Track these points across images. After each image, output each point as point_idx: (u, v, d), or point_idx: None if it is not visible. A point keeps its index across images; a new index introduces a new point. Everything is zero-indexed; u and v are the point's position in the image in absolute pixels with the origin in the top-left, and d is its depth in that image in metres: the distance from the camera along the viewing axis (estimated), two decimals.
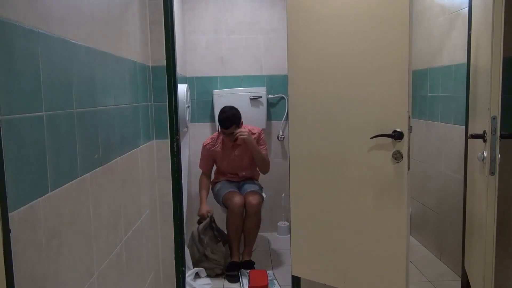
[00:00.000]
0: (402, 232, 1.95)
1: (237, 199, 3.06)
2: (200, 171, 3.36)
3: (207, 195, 3.29)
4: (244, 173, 3.32)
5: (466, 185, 2.44)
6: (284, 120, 3.80)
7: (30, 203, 1.00)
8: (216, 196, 3.29)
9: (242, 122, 3.18)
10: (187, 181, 3.54)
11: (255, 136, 3.23)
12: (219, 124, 3.13)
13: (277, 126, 3.85)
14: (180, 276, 2.44)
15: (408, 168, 1.90)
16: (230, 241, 3.10)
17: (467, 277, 2.43)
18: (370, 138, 1.94)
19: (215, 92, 3.68)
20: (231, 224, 3.07)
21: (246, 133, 3.10)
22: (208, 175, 3.34)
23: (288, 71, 2.23)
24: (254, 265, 3.11)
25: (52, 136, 1.12)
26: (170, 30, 2.26)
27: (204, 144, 3.28)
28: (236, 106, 3.62)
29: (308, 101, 2.16)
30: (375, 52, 1.93)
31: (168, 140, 2.32)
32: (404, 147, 1.89)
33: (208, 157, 3.29)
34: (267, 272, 2.95)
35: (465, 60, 2.53)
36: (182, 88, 3.05)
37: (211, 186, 3.37)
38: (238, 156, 3.25)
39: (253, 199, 3.09)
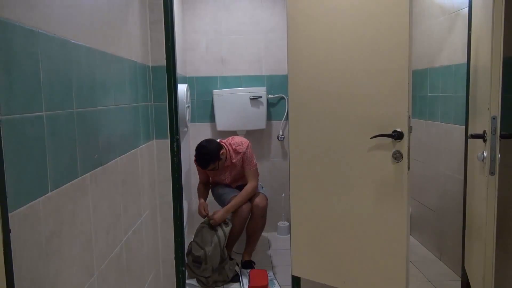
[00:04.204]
0: (402, 232, 1.95)
1: (246, 205, 3.04)
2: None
3: (207, 195, 3.28)
4: (239, 183, 3.27)
5: (466, 185, 2.44)
6: (284, 120, 3.80)
7: (30, 203, 1.00)
8: (218, 199, 3.26)
9: (223, 152, 3.00)
10: (187, 181, 3.54)
11: (239, 156, 3.08)
12: (197, 163, 3.05)
13: (277, 126, 3.85)
14: (180, 276, 2.44)
15: (408, 168, 1.90)
16: (230, 240, 3.10)
17: (467, 277, 2.43)
18: (370, 138, 1.94)
19: (215, 92, 3.68)
20: (236, 228, 3.05)
21: (217, 219, 2.92)
22: (205, 183, 3.29)
23: (288, 71, 2.23)
24: (254, 265, 3.11)
25: (52, 136, 1.12)
26: (170, 30, 2.26)
27: (195, 161, 3.12)
28: (236, 106, 3.65)
29: (308, 101, 2.16)
30: (375, 52, 1.93)
31: (168, 140, 2.32)
32: (404, 147, 1.89)
33: (201, 171, 3.21)
34: (267, 272, 2.95)
35: (465, 60, 2.53)
36: (182, 88, 3.05)
37: (210, 186, 3.36)
38: (229, 177, 3.20)
39: (260, 202, 3.08)
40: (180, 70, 3.03)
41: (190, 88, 3.62)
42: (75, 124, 1.27)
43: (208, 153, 2.95)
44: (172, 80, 2.29)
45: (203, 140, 3.06)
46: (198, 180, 3.32)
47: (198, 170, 3.26)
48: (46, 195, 1.08)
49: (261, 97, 3.66)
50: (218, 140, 3.10)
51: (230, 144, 3.11)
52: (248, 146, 3.11)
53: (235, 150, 3.09)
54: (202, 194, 3.26)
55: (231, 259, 3.00)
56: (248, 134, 3.77)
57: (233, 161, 3.09)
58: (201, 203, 3.16)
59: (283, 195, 3.79)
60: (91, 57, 1.40)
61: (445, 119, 2.98)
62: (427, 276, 2.87)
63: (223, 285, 2.89)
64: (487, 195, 1.90)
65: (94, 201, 1.41)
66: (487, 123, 1.87)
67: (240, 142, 3.11)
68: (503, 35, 1.80)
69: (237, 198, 3.04)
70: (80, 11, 1.33)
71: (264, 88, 3.69)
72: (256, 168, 3.17)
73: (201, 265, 2.83)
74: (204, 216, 3.06)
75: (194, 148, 3.07)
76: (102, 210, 1.49)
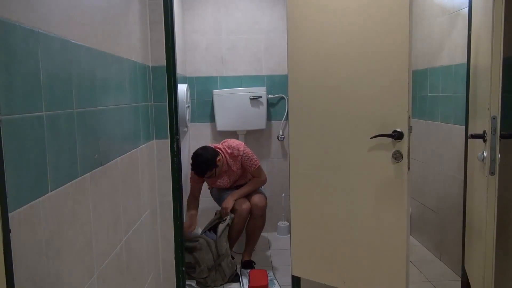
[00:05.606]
0: (402, 232, 1.95)
1: (246, 205, 3.04)
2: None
3: (197, 213, 3.16)
4: (237, 184, 3.25)
5: (466, 185, 2.44)
6: (284, 120, 3.80)
7: (30, 203, 1.00)
8: (217, 199, 3.26)
9: (220, 159, 2.98)
10: (187, 181, 3.54)
11: (237, 160, 3.07)
12: (194, 172, 3.01)
13: (277, 126, 3.85)
14: (180, 276, 2.44)
15: (408, 168, 1.90)
16: (230, 241, 3.10)
17: (467, 277, 2.43)
18: (370, 138, 1.94)
19: (215, 92, 3.68)
20: (236, 227, 3.05)
21: (228, 209, 2.99)
22: (196, 196, 3.18)
23: (288, 71, 2.23)
24: (254, 265, 3.11)
25: (52, 136, 1.12)
26: (170, 30, 2.26)
27: (192, 170, 3.07)
28: (236, 106, 3.65)
29: (308, 101, 2.16)
30: (375, 52, 1.93)
31: (168, 140, 2.31)
32: (404, 147, 1.89)
33: (197, 180, 3.14)
34: (267, 272, 2.95)
35: (465, 60, 2.53)
36: (182, 88, 3.04)
37: (208, 188, 3.36)
38: (227, 181, 3.18)
39: (259, 202, 3.08)
40: (180, 70, 3.03)
41: (190, 88, 3.62)
42: (75, 124, 1.27)
43: (205, 162, 2.93)
44: (172, 80, 2.29)
45: (199, 148, 3.02)
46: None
47: (192, 181, 3.16)
48: (46, 195, 1.08)
49: (261, 97, 3.66)
50: (213, 146, 3.08)
51: (225, 148, 3.08)
52: (244, 148, 3.09)
53: (231, 155, 3.06)
54: (193, 205, 3.14)
55: (232, 257, 3.00)
56: (248, 134, 3.78)
57: (231, 167, 3.08)
58: (192, 214, 3.06)
59: (283, 195, 3.79)
60: (91, 57, 1.40)
61: (445, 119, 2.98)
62: (427, 276, 2.87)
63: (222, 284, 2.89)
64: (487, 195, 1.90)
65: (94, 201, 1.41)
66: (487, 123, 1.87)
67: (235, 146, 3.08)
68: (503, 35, 1.80)
69: (246, 187, 3.10)
70: (80, 11, 1.33)
71: (264, 88, 3.69)
72: (260, 166, 3.16)
73: (196, 269, 2.84)
74: (189, 232, 2.98)
75: (194, 148, 3.08)
76: (102, 210, 1.49)
